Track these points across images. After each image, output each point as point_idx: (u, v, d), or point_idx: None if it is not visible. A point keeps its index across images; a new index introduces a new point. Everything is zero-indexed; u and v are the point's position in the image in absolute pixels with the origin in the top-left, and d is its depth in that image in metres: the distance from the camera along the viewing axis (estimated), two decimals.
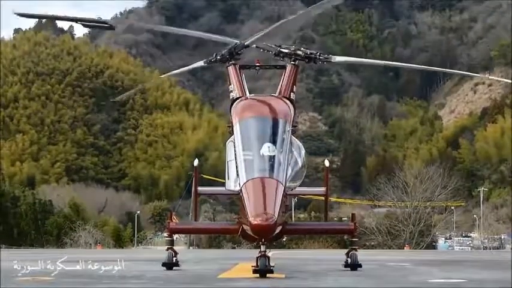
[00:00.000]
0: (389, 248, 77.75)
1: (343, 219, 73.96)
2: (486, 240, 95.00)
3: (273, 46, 14.53)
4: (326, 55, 15.06)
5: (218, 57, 14.75)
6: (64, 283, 10.83)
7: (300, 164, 13.51)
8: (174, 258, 14.08)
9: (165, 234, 15.21)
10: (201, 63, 15.32)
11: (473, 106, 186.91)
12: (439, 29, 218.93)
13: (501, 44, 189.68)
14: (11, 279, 11.23)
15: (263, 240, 11.86)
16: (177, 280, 11.44)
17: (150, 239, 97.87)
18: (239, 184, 12.37)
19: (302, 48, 14.83)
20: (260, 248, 11.93)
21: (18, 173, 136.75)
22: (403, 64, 16.52)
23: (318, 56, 14.85)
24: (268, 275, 11.81)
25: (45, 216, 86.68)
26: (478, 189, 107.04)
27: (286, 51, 14.57)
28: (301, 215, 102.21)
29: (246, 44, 14.43)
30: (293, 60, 14.65)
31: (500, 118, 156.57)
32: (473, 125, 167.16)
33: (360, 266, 14.02)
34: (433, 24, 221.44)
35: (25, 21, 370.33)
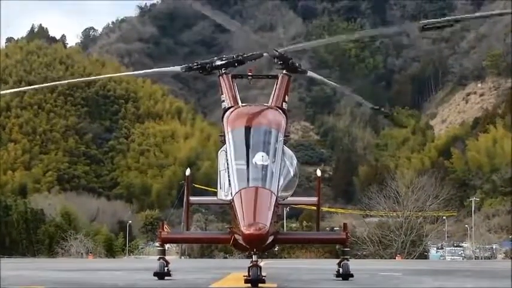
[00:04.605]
0: (381, 258, 77.72)
1: (335, 228, 73.99)
2: (478, 250, 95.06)
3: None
4: (302, 68, 15.08)
5: (195, 66, 14.72)
6: None
7: (292, 173, 13.50)
8: (166, 268, 14.00)
9: (157, 244, 15.16)
10: (177, 68, 15.23)
11: (465, 116, 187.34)
12: (431, 38, 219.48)
13: (493, 54, 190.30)
14: None
15: (255, 249, 11.85)
16: None
17: (142, 248, 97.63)
18: (231, 193, 12.35)
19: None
20: (252, 258, 11.90)
21: (10, 181, 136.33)
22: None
23: (297, 67, 14.89)
24: (260, 285, 11.79)
25: (37, 225, 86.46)
26: (470, 199, 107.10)
27: (283, 54, 14.46)
28: (293, 225, 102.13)
29: (217, 64, 14.55)
30: (283, 67, 14.62)
31: (491, 128, 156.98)
32: (465, 134, 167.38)
33: (352, 275, 13.98)
34: (425, 34, 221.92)
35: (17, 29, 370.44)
